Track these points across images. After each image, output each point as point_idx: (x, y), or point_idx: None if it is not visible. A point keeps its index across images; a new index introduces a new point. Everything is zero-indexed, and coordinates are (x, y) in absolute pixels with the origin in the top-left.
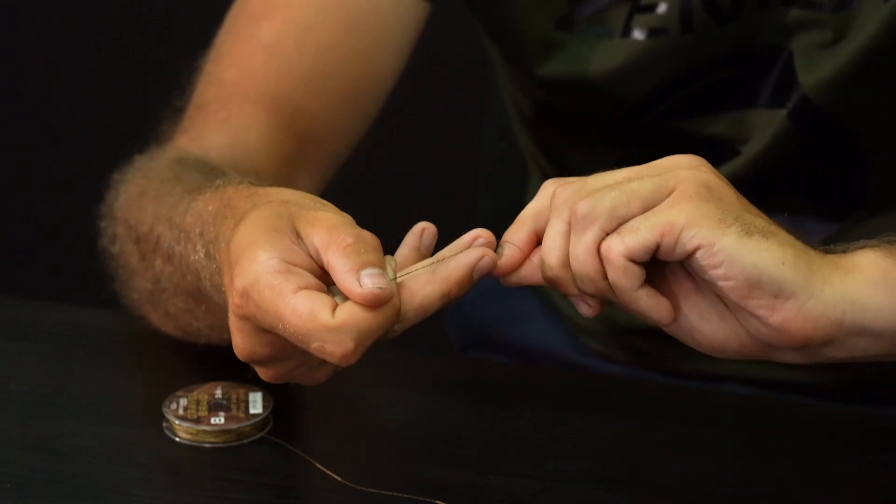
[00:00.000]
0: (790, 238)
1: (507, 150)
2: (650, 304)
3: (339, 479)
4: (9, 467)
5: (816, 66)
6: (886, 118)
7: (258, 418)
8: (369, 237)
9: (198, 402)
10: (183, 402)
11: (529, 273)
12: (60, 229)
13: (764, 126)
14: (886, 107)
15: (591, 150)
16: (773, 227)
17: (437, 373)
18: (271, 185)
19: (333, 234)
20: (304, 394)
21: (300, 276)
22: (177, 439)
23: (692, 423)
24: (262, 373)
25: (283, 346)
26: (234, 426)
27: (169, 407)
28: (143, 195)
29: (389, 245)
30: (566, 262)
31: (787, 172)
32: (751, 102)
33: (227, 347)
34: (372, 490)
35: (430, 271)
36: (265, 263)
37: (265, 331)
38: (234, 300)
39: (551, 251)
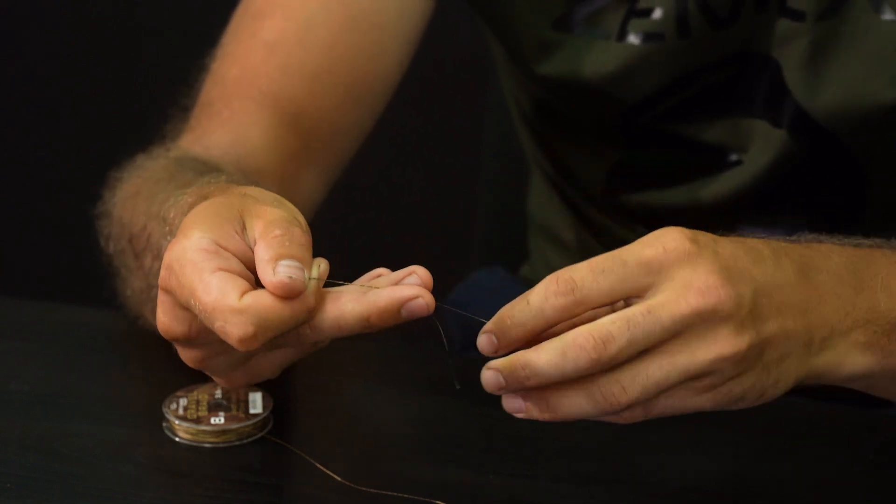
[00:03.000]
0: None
1: (508, 151)
2: None
3: (339, 478)
4: (9, 467)
5: (812, 80)
6: (881, 138)
7: (258, 418)
8: (298, 233)
9: (198, 402)
10: (183, 402)
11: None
12: (60, 229)
13: (764, 139)
14: (882, 127)
15: (591, 150)
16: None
17: (437, 373)
18: (274, 184)
19: (267, 227)
20: (304, 394)
21: (225, 259)
22: (177, 439)
23: (691, 423)
24: (182, 353)
25: (199, 329)
26: (234, 426)
27: (169, 407)
28: (138, 194)
29: (388, 246)
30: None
31: (789, 190)
32: (746, 110)
33: None
34: (371, 490)
35: (361, 292)
36: (195, 241)
37: (183, 308)
38: (161, 272)
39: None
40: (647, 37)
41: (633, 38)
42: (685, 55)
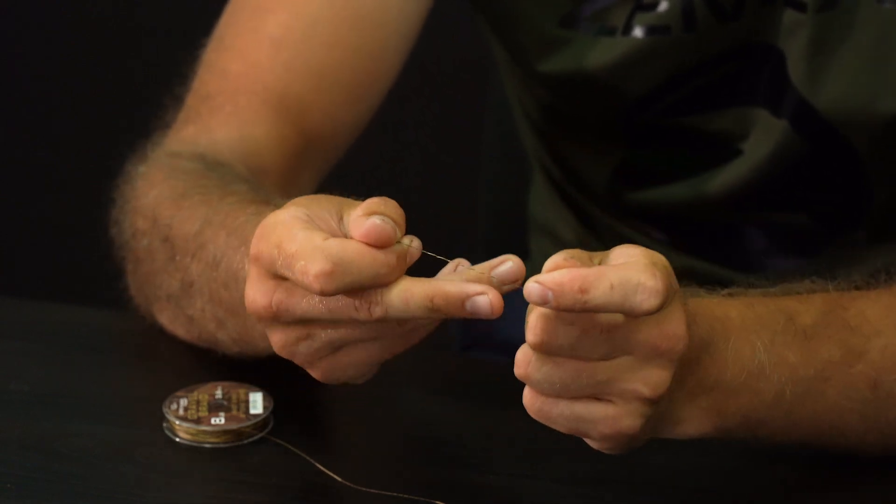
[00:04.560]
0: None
1: (509, 152)
2: None
3: (339, 479)
4: (9, 467)
5: (814, 72)
6: (883, 133)
7: (258, 418)
8: (393, 202)
9: (198, 403)
10: (183, 402)
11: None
12: (60, 229)
13: (765, 129)
14: (884, 126)
15: (596, 150)
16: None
17: (437, 373)
18: (277, 181)
19: (364, 205)
20: (305, 394)
21: (317, 227)
22: (177, 439)
23: None
24: (271, 338)
25: (281, 301)
26: (234, 426)
27: (169, 407)
28: (184, 197)
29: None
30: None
31: (790, 185)
32: (748, 100)
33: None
34: (371, 490)
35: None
36: (290, 211)
37: (269, 276)
38: (252, 244)
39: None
40: (652, 30)
41: (638, 32)
42: (691, 48)
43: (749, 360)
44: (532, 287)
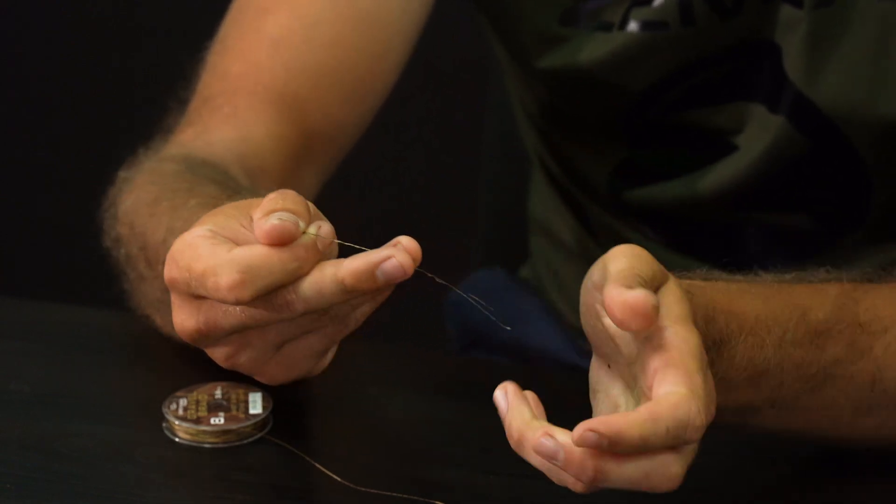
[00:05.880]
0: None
1: (509, 152)
2: None
3: (339, 479)
4: (9, 467)
5: (812, 67)
6: (883, 129)
7: (258, 419)
8: (293, 194)
9: (197, 403)
10: (183, 402)
11: None
12: (60, 229)
13: (761, 124)
14: (884, 118)
15: (596, 148)
16: None
17: (437, 373)
18: (276, 182)
19: (264, 200)
20: (304, 394)
21: (222, 241)
22: (176, 440)
23: None
24: (212, 355)
25: (208, 318)
26: (233, 426)
27: (169, 407)
28: (156, 203)
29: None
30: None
31: (789, 183)
32: (748, 95)
33: None
34: (371, 490)
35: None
36: (195, 231)
37: (189, 297)
38: (164, 269)
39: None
40: (648, 25)
41: (634, 26)
42: (689, 44)
43: (756, 358)
44: (588, 437)
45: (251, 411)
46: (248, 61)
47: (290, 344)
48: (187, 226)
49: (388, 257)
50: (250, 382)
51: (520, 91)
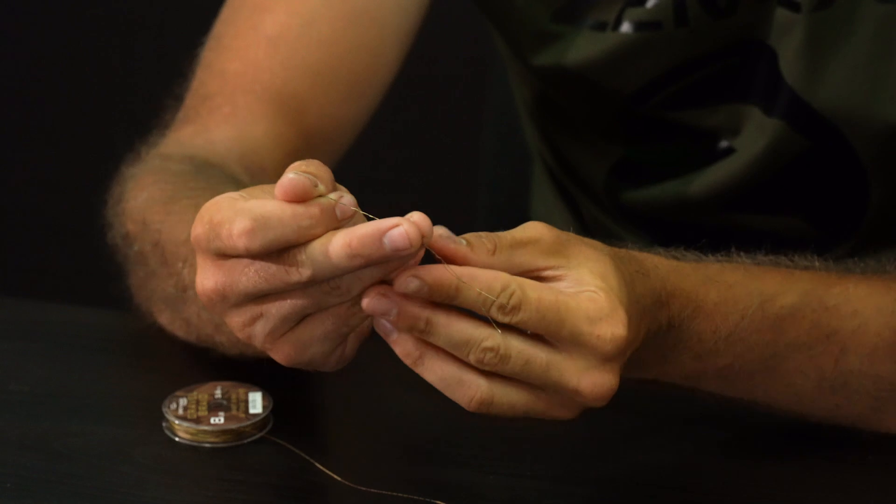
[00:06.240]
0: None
1: (508, 147)
2: None
3: (339, 478)
4: (8, 467)
5: (811, 70)
6: (883, 133)
7: (258, 418)
8: (317, 161)
9: (197, 402)
10: (183, 401)
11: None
12: (60, 229)
13: (756, 127)
14: (884, 121)
15: (592, 146)
16: None
17: None
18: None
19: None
20: (304, 394)
21: (246, 199)
22: (177, 439)
23: (692, 423)
24: (229, 321)
25: (224, 279)
26: (233, 426)
27: (169, 407)
28: (173, 201)
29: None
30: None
31: (785, 186)
32: (744, 97)
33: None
34: (371, 490)
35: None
36: (224, 194)
37: (211, 256)
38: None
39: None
40: (641, 25)
41: (627, 27)
42: (682, 44)
43: (707, 340)
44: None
45: (251, 411)
46: (246, 60)
47: (304, 322)
48: None
49: (396, 225)
50: (250, 382)
51: (519, 84)
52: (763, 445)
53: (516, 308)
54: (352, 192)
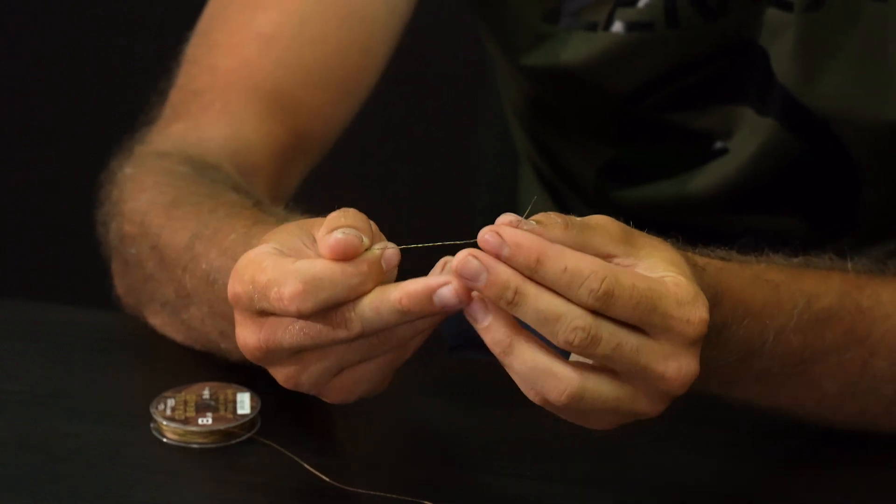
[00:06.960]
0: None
1: (502, 148)
2: None
3: (328, 479)
4: (6, 467)
5: (804, 70)
6: (877, 131)
7: (246, 419)
8: (355, 211)
9: (185, 403)
10: (171, 402)
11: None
12: (60, 229)
13: (750, 127)
14: (878, 120)
15: (584, 147)
16: None
17: (433, 373)
18: (267, 179)
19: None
20: (292, 394)
21: (287, 256)
22: (164, 440)
23: (691, 423)
24: (275, 375)
25: (269, 336)
26: (221, 427)
27: (157, 407)
28: (175, 206)
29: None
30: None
31: (780, 186)
32: (735, 98)
33: None
34: (360, 490)
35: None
36: (260, 248)
37: (252, 314)
38: (228, 287)
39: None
40: (632, 26)
41: (618, 27)
42: (675, 45)
43: (755, 343)
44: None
45: (239, 411)
46: (239, 57)
47: (349, 370)
48: (217, 235)
49: (446, 283)
50: (238, 383)
51: (509, 87)
52: (763, 446)
53: (609, 293)
54: (345, 191)
